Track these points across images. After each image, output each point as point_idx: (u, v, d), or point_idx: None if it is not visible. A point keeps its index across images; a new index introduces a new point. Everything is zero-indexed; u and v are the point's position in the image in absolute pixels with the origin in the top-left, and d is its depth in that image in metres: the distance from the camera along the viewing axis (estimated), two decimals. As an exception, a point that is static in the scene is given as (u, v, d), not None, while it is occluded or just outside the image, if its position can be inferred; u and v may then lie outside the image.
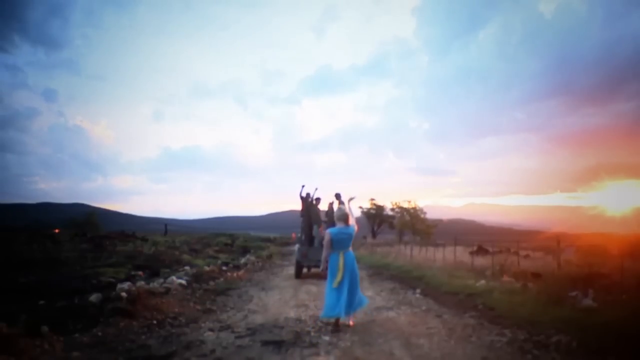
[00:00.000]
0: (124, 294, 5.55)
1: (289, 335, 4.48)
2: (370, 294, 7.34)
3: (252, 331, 4.69)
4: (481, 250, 16.94)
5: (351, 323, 4.93)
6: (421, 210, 45.31)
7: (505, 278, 8.14)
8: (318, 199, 11.61)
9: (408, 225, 43.98)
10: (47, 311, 4.81)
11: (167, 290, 6.58)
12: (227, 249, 21.91)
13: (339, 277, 4.85)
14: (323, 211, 11.73)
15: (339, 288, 4.83)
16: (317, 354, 3.83)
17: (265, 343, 4.19)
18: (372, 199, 49.14)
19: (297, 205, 11.81)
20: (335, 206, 10.34)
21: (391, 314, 5.79)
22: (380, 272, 12.50)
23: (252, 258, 16.48)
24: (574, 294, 5.72)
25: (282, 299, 7.15)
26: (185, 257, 14.11)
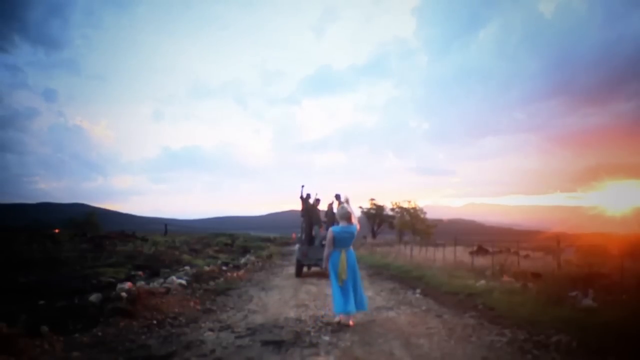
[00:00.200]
0: (124, 294, 5.54)
1: (289, 335, 4.48)
2: (370, 294, 7.34)
3: (252, 331, 4.68)
4: (481, 250, 16.96)
5: (351, 323, 4.93)
6: (421, 210, 45.39)
7: (505, 278, 8.15)
8: (318, 200, 11.82)
9: (408, 225, 44.00)
10: (47, 311, 4.80)
11: (167, 290, 6.58)
12: (227, 249, 21.90)
13: (343, 275, 4.95)
14: (323, 211, 11.86)
15: (345, 286, 4.96)
16: (317, 354, 3.83)
17: (265, 343, 4.18)
18: (372, 199, 49.23)
19: (297, 205, 11.96)
20: (335, 207, 10.42)
21: (391, 314, 5.79)
22: (380, 272, 12.51)
23: (252, 258, 16.48)
24: (574, 294, 5.73)
25: (282, 299, 7.14)
26: (185, 257, 14.10)
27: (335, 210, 8.54)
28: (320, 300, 6.96)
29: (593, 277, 6.75)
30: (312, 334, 4.57)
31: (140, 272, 9.10)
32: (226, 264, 12.52)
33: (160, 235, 33.16)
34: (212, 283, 8.47)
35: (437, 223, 47.39)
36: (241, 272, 11.33)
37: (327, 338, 4.36)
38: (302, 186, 11.65)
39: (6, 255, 11.26)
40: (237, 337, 4.41)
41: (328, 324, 4.99)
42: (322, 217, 11.79)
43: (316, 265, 11.19)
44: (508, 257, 11.70)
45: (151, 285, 6.74)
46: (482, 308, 5.88)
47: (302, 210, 11.73)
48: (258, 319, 5.39)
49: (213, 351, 3.92)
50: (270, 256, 19.64)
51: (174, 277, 7.84)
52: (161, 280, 7.58)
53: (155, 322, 5.00)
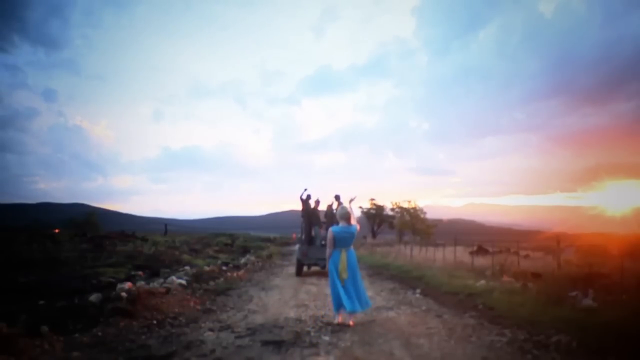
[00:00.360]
0: (124, 294, 5.54)
1: (289, 335, 4.48)
2: (370, 294, 7.31)
3: (252, 331, 4.68)
4: (481, 250, 16.95)
5: (351, 323, 4.93)
6: (421, 210, 45.37)
7: (505, 278, 8.15)
8: (317, 202, 11.98)
9: (408, 225, 44.00)
10: (47, 311, 4.80)
11: (167, 290, 6.57)
12: (227, 249, 21.90)
13: (344, 275, 4.97)
14: (322, 211, 11.95)
15: (346, 285, 4.98)
16: (317, 354, 3.82)
17: (265, 343, 4.18)
18: (372, 199, 49.21)
19: (297, 206, 12.11)
20: (335, 207, 10.46)
21: (391, 314, 5.79)
22: (380, 272, 12.52)
23: (252, 258, 16.48)
24: (574, 294, 5.73)
25: (282, 299, 7.14)
26: (185, 257, 14.11)
27: (335, 210, 8.56)
28: (320, 300, 6.96)
29: (593, 277, 6.76)
30: (312, 334, 4.56)
31: (140, 272, 9.10)
32: (226, 264, 12.53)
33: (160, 235, 33.17)
34: (212, 283, 8.46)
35: (437, 223, 47.37)
36: (241, 272, 11.33)
37: (327, 338, 4.36)
38: (305, 189, 11.85)
39: (6, 255, 11.26)
40: (237, 337, 4.41)
41: (328, 324, 4.99)
42: (322, 218, 11.91)
43: (316, 264, 11.42)
44: (508, 257, 11.71)
45: (151, 285, 6.73)
46: (482, 308, 5.88)
47: (302, 210, 11.87)
48: (258, 319, 5.39)
49: (213, 351, 3.92)
50: (270, 256, 19.64)
51: (174, 277, 7.84)
52: (161, 280, 7.58)
53: (155, 322, 5.00)
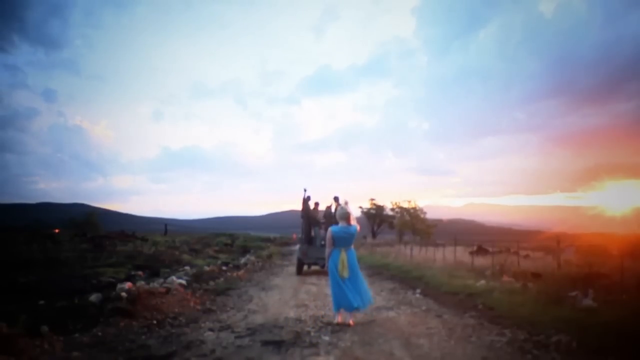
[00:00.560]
0: (124, 294, 5.54)
1: (289, 335, 4.48)
2: (370, 294, 7.34)
3: (252, 331, 4.68)
4: (481, 250, 16.95)
5: (351, 323, 4.94)
6: (421, 210, 45.37)
7: (505, 278, 8.15)
8: (317, 203, 12.17)
9: (408, 225, 44.00)
10: (47, 311, 4.80)
11: (167, 290, 6.57)
12: (227, 249, 21.91)
13: (344, 274, 4.99)
14: (322, 211, 12.06)
15: (346, 284, 5.01)
16: (317, 354, 3.82)
17: (265, 343, 4.18)
18: (372, 199, 49.20)
19: (297, 206, 12.29)
20: (333, 209, 10.51)
21: (391, 314, 5.79)
22: (380, 272, 12.52)
23: (252, 258, 16.48)
24: (574, 294, 5.72)
25: (282, 299, 7.14)
26: (185, 257, 14.12)
27: (333, 212, 8.58)
28: (320, 300, 6.96)
29: (593, 277, 6.76)
30: (312, 334, 4.56)
31: (140, 272, 9.10)
32: (226, 264, 12.54)
33: (160, 235, 33.21)
34: (212, 283, 8.47)
35: (437, 223, 47.40)
36: (241, 272, 11.34)
37: (327, 338, 4.36)
38: (305, 190, 12.00)
39: (6, 255, 11.26)
40: (237, 337, 4.41)
41: (328, 324, 4.99)
42: (321, 218, 12.04)
43: (315, 263, 11.69)
44: (508, 257, 11.72)
45: (151, 285, 6.73)
46: (482, 308, 5.88)
47: (302, 211, 12.01)
48: (258, 319, 5.39)
49: (213, 351, 3.92)
50: (270, 256, 19.64)
51: (174, 277, 7.84)
52: (161, 280, 7.58)
53: (155, 322, 5.00)
